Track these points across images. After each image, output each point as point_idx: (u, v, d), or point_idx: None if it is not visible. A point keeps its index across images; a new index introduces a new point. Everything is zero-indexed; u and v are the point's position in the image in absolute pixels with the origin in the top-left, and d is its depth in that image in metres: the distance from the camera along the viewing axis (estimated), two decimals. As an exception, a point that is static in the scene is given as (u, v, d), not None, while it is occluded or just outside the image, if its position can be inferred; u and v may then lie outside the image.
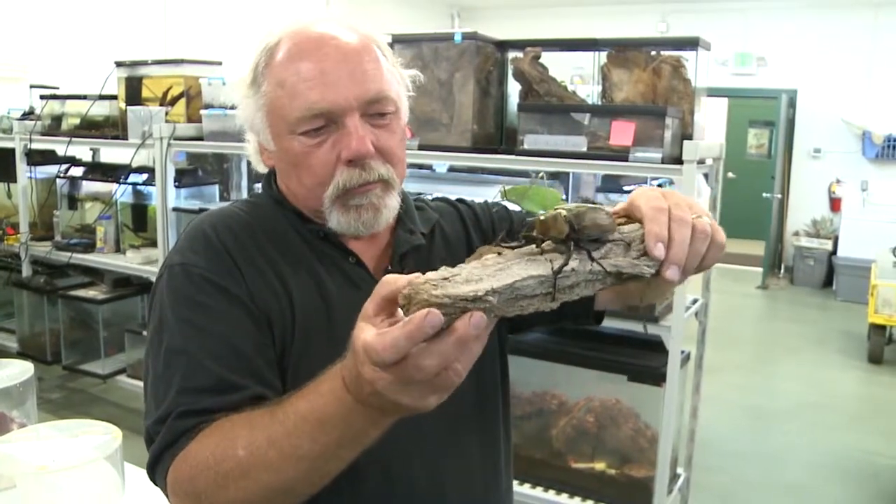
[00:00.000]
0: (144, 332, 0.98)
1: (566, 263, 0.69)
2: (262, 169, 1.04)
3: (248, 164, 3.71)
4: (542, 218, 0.71)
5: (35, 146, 3.72)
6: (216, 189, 3.58)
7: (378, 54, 0.95)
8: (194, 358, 0.87)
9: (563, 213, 0.71)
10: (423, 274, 0.64)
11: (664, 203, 0.77)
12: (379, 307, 0.66)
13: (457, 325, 0.61)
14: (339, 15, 0.98)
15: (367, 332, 0.64)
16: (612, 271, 0.72)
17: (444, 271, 0.65)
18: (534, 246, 0.72)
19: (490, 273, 0.66)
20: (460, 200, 1.18)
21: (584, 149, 2.31)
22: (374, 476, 0.93)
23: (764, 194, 7.76)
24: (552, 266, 0.68)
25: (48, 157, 3.80)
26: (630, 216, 0.79)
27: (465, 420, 1.02)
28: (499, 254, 0.71)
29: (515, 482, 2.48)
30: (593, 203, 0.77)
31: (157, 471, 0.86)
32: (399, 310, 0.65)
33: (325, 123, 0.91)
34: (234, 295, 0.90)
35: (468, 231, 1.12)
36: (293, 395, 0.78)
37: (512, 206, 1.21)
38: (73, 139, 3.53)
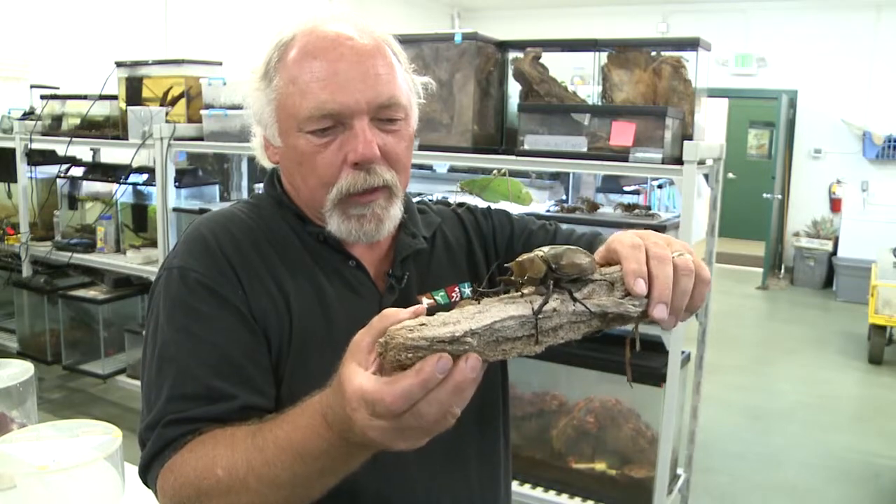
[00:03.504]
0: (144, 332, 0.98)
1: (546, 302, 0.68)
2: (266, 164, 1.03)
3: (249, 164, 3.72)
4: (518, 260, 0.71)
5: (35, 146, 3.72)
6: (216, 189, 3.58)
7: (393, 59, 0.94)
8: (185, 365, 0.87)
9: (540, 254, 0.71)
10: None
11: (640, 241, 0.76)
12: (373, 342, 0.66)
13: (453, 371, 0.61)
14: (352, 14, 0.96)
15: (362, 378, 0.64)
16: (597, 311, 0.71)
17: (422, 318, 0.65)
18: (514, 290, 0.71)
19: (468, 316, 0.65)
20: (461, 205, 1.17)
21: (585, 149, 2.31)
22: (369, 491, 0.92)
23: (764, 195, 7.75)
24: (532, 306, 0.67)
25: (48, 157, 3.80)
26: (610, 262, 0.78)
27: (464, 429, 1.01)
28: (478, 302, 0.70)
29: (515, 482, 2.49)
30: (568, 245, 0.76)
31: (147, 476, 0.87)
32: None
33: (333, 124, 0.90)
34: (228, 301, 0.90)
35: (469, 236, 1.11)
36: (274, 421, 0.78)
37: (513, 211, 1.19)
38: (74, 139, 3.53)
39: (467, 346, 0.62)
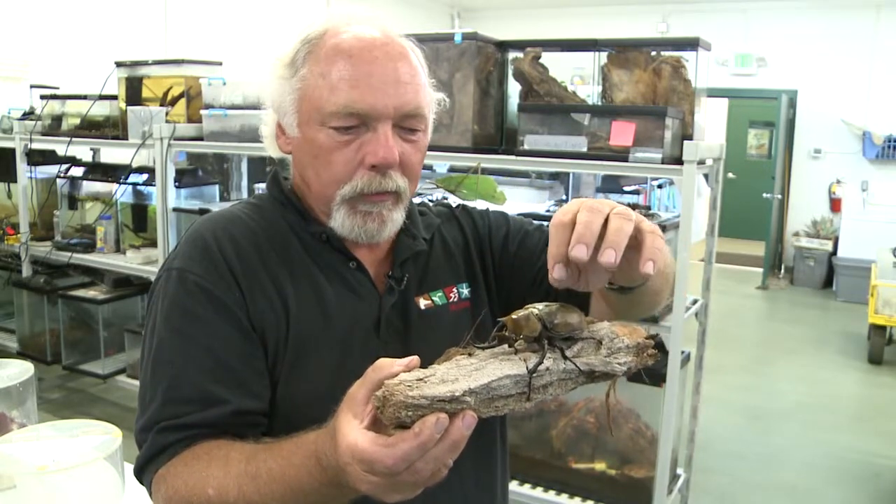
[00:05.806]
0: (143, 332, 0.99)
1: (541, 362, 0.69)
2: (273, 152, 1.03)
3: (249, 164, 3.71)
4: (514, 317, 0.71)
5: (35, 146, 3.72)
6: (216, 189, 3.58)
7: (419, 69, 0.96)
8: (179, 368, 0.88)
9: (535, 311, 0.71)
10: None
11: (567, 220, 0.71)
12: (369, 395, 0.66)
13: (450, 430, 0.62)
14: (379, 17, 0.97)
15: (357, 435, 0.64)
16: (586, 370, 0.73)
17: (418, 372, 0.65)
18: (506, 346, 0.72)
19: (465, 373, 0.66)
20: (459, 206, 1.18)
21: (585, 149, 2.31)
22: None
23: (764, 195, 7.75)
24: (527, 365, 0.68)
25: (48, 157, 3.80)
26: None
27: None
28: (469, 354, 0.71)
29: (515, 482, 2.49)
30: (560, 303, 0.76)
31: (143, 478, 0.89)
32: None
33: (357, 123, 0.91)
34: (226, 305, 0.90)
35: (466, 238, 1.12)
36: (269, 450, 0.78)
37: (512, 212, 1.20)
38: (74, 139, 3.53)
39: (465, 404, 0.63)
